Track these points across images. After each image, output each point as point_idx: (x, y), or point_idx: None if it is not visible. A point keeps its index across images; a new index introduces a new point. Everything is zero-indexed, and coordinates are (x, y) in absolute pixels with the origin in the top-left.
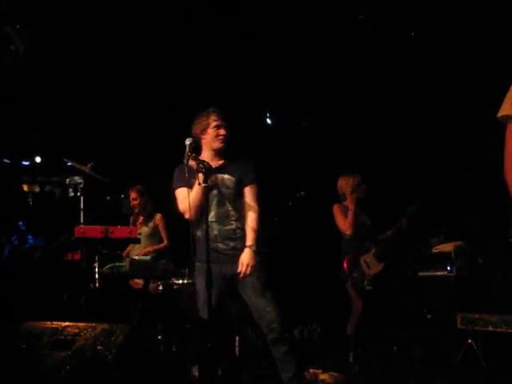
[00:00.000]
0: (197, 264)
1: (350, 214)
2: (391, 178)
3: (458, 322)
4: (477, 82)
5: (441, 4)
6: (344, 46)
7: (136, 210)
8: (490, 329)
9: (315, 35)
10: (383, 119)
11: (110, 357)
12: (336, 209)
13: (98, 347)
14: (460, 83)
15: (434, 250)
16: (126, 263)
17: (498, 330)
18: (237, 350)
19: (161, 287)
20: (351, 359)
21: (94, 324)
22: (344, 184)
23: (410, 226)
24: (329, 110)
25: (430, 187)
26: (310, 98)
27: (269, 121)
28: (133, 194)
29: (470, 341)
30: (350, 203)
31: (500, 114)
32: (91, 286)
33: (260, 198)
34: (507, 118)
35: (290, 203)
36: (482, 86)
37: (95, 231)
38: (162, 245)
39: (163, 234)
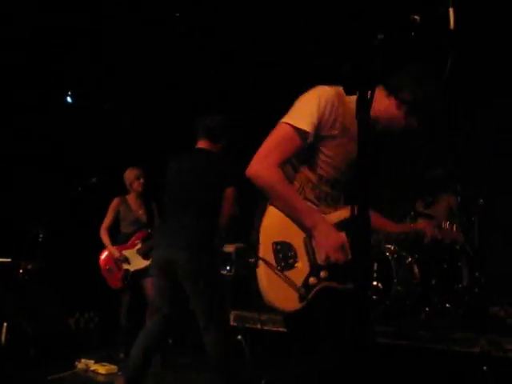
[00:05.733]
0: None
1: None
2: None
3: (232, 319)
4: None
5: None
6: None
7: None
8: (259, 326)
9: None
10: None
11: None
12: (114, 203)
13: None
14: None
15: None
16: None
17: (266, 328)
18: (3, 337)
19: None
20: (122, 350)
21: None
22: (127, 176)
23: None
24: (133, 96)
25: None
26: (114, 81)
27: (69, 99)
28: None
29: (239, 337)
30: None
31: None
32: None
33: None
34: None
35: (80, 188)
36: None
37: None
38: None
39: None
